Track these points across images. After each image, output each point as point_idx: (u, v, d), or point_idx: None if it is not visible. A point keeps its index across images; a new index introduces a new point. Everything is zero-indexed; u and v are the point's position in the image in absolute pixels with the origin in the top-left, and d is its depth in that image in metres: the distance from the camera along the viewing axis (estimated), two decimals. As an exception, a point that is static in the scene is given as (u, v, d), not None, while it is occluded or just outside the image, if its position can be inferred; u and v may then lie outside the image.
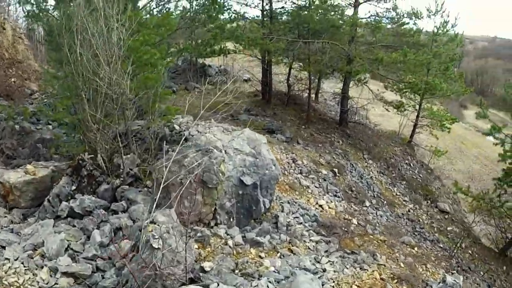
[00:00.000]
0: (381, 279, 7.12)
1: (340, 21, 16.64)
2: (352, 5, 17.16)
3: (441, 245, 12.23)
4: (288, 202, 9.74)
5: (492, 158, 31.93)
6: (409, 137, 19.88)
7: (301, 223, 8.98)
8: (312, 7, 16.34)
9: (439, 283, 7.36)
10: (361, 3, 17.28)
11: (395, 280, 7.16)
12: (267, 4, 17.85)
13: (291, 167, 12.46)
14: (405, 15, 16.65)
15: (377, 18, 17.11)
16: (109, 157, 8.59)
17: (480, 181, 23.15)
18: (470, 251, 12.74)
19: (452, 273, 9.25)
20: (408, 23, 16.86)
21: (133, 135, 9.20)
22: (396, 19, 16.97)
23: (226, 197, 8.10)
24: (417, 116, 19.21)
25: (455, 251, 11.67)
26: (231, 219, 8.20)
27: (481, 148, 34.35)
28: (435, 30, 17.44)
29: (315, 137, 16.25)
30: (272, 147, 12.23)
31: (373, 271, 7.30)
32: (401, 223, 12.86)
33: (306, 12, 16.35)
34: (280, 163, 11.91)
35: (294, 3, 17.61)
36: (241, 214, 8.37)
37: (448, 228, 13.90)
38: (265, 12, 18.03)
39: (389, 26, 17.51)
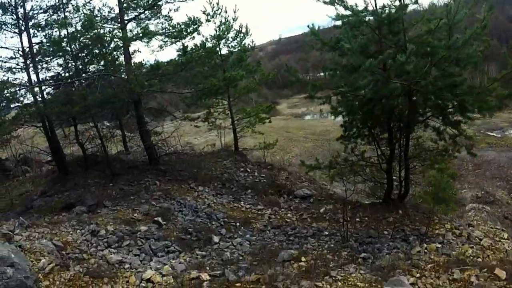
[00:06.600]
0: None
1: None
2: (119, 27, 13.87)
3: (327, 232, 9.51)
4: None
5: (318, 132, 33.50)
6: (234, 145, 17.38)
7: None
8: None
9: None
10: (127, 22, 14.23)
11: None
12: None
13: (91, 244, 8.05)
14: (183, 26, 13.94)
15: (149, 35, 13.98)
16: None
17: (319, 154, 22.57)
18: (358, 219, 10.24)
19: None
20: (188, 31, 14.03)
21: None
22: (174, 32, 14.23)
23: None
24: (232, 120, 16.93)
25: (344, 230, 8.98)
26: None
27: (305, 129, 36.10)
28: (217, 31, 15.44)
29: (126, 190, 12.12)
30: (58, 228, 8.57)
31: None
32: (269, 236, 9.75)
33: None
34: (71, 246, 7.74)
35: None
36: None
37: (321, 211, 11.36)
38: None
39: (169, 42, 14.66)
